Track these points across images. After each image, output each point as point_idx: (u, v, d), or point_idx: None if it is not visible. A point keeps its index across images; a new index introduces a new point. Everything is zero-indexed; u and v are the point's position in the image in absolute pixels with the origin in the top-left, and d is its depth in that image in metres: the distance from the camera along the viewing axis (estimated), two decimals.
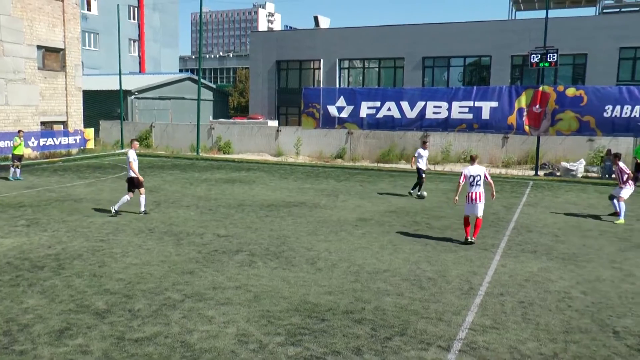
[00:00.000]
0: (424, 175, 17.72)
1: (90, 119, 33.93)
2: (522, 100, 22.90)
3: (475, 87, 24.45)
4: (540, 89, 22.94)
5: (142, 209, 14.46)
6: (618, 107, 21.66)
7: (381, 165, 26.68)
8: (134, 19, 54.46)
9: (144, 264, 9.88)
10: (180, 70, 63.55)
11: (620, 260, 10.73)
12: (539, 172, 23.52)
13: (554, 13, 38.58)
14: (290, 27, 50.45)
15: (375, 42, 39.28)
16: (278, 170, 24.52)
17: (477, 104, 23.27)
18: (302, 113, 27.33)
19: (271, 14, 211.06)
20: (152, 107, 40.92)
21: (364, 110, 25.22)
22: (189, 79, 45.33)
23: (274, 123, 36.27)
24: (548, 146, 25.18)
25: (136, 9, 54.53)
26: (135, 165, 14.41)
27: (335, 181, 21.15)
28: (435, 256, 10.76)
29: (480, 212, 11.77)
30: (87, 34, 48.00)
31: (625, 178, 14.43)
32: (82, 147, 30.50)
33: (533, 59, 23.96)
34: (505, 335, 7.10)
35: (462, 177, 11.86)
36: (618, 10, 42.06)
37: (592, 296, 8.63)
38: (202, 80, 39.07)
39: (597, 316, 7.82)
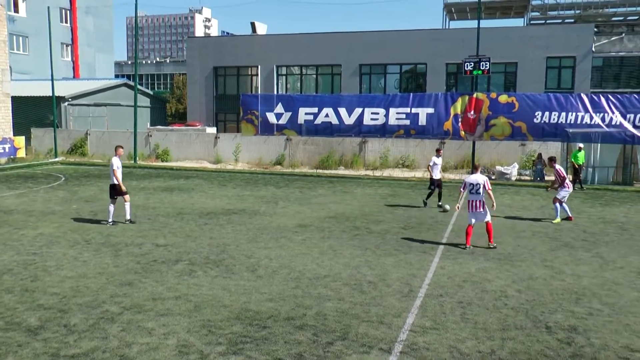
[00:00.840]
0: (439, 185, 17.35)
1: (21, 127, 32.44)
2: (458, 107, 23.60)
3: (411, 94, 25.03)
4: (475, 95, 23.73)
5: (128, 217, 14.17)
6: (547, 113, 22.69)
7: (320, 171, 26.82)
8: (66, 22, 52.58)
9: (80, 277, 9.52)
10: (116, 76, 61.77)
11: (551, 259, 11.20)
12: None
13: (485, 23, 39.99)
14: (228, 33, 50.06)
15: (313, 49, 39.54)
16: (217, 178, 24.23)
17: (414, 110, 23.82)
18: (240, 120, 27.17)
19: (208, 20, 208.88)
20: (87, 114, 39.61)
21: (302, 116, 25.34)
22: (125, 84, 44.17)
23: (212, 130, 35.84)
24: (483, 151, 26.03)
25: (68, 11, 52.69)
26: (119, 172, 14.14)
27: (274, 188, 21.10)
28: (375, 260, 10.89)
29: (486, 218, 12.04)
30: (14, 37, 45.97)
31: (561, 180, 15.12)
32: (11, 157, 29.14)
33: (467, 67, 24.76)
34: (444, 335, 7.26)
35: (463, 185, 12.22)
36: (544, 22, 44.07)
37: (526, 294, 8.96)
38: (139, 87, 38.15)
39: (531, 313, 8.12)
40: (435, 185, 17.22)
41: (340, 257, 11.06)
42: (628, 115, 22.13)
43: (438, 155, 17.91)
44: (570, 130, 22.50)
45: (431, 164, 17.55)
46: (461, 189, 12.33)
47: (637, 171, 23.05)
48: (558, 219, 14.97)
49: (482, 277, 9.82)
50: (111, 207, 14.11)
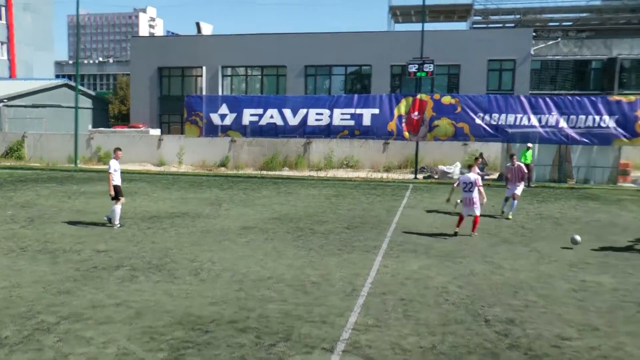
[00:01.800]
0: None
1: None
2: (402, 108, 24.00)
3: (356, 95, 25.31)
4: (418, 97, 24.20)
5: (106, 217, 14.26)
6: (488, 115, 23.38)
7: (265, 172, 26.75)
8: (1, 19, 50.52)
9: (13, 287, 9.14)
10: (57, 76, 59.74)
11: (491, 254, 11.54)
12: (418, 176, 24.74)
13: (429, 26, 40.81)
14: (172, 33, 49.20)
15: (258, 49, 39.38)
16: (160, 181, 23.80)
17: (359, 111, 24.09)
18: (185, 121, 26.79)
19: (152, 19, 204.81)
20: (24, 115, 38.15)
21: (247, 117, 25.24)
22: (66, 85, 42.82)
23: (156, 132, 35.18)
24: (426, 151, 26.56)
25: (4, 8, 50.62)
26: (116, 176, 14.16)
27: (218, 190, 20.90)
28: (318, 260, 10.94)
29: (477, 212, 13.26)
30: None
31: (521, 176, 15.89)
32: None
33: (411, 69, 25.23)
34: (387, 333, 7.36)
35: (457, 182, 13.63)
36: (486, 26, 45.34)
37: (466, 289, 9.20)
38: (80, 87, 37.07)
39: (471, 307, 8.34)
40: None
41: (284, 259, 11.06)
42: (564, 116, 23.06)
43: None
44: (510, 131, 23.26)
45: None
46: (454, 185, 13.79)
47: (571, 169, 24.03)
48: (511, 215, 15.71)
49: (424, 274, 10.02)
50: (117, 208, 13.97)
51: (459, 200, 14.23)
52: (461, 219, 13.42)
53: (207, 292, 8.94)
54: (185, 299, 8.60)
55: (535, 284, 9.54)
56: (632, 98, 23.36)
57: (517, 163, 16.26)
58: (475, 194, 13.01)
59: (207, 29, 47.44)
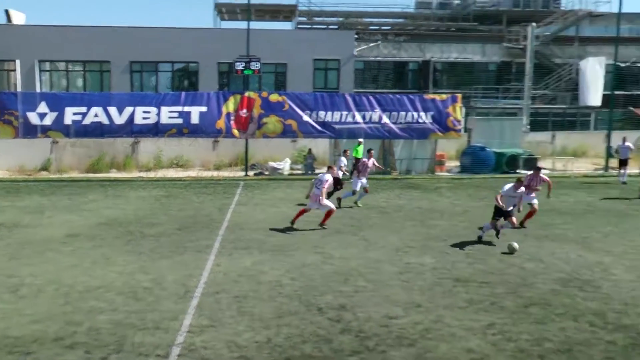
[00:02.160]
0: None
1: None
2: (230, 105, 23.80)
3: (183, 93, 24.58)
4: (246, 94, 24.17)
5: None
6: (315, 112, 24.14)
7: (91, 175, 24.90)
8: None
9: None
10: None
11: (322, 245, 11.86)
12: (249, 173, 24.74)
13: (256, 25, 41.10)
14: None
15: (80, 43, 36.46)
16: None
17: (187, 109, 23.41)
18: None
19: None
20: None
21: (70, 116, 23.21)
22: None
23: None
24: (256, 148, 26.64)
25: None
26: None
27: (39, 196, 18.96)
28: (150, 265, 10.39)
29: (326, 208, 13.54)
30: None
31: (368, 170, 17.09)
32: None
33: (238, 67, 25.12)
34: (222, 332, 7.19)
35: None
36: (310, 26, 46.84)
37: (299, 281, 9.33)
38: None
39: (304, 298, 8.47)
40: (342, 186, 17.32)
41: (114, 265, 10.32)
42: (386, 113, 24.62)
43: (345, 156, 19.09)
44: (337, 127, 24.26)
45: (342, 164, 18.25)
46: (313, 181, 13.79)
47: (394, 162, 25.76)
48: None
49: (258, 270, 9.98)
50: None
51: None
52: (301, 212, 13.63)
53: (28, 309, 8.01)
54: (1, 320, 7.61)
55: (364, 270, 10.00)
56: (444, 96, 25.72)
57: (372, 158, 17.61)
58: (319, 191, 13.27)
59: (19, 18, 42.72)
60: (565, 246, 12.01)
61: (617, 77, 29.79)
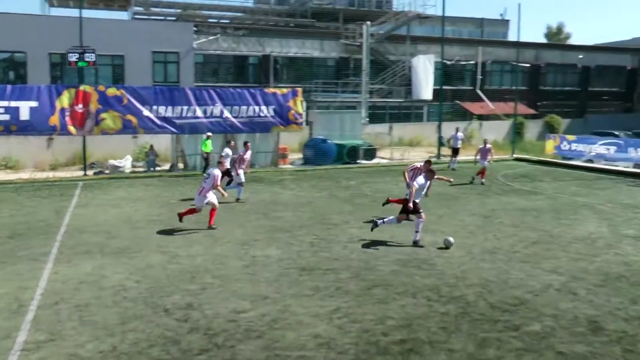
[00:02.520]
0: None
1: None
2: (64, 100, 22.20)
3: (9, 86, 22.41)
4: (82, 88, 22.71)
5: None
6: (155, 107, 23.35)
7: None
8: None
9: None
10: None
11: (166, 244, 11.63)
12: (88, 172, 23.32)
13: (89, 13, 38.59)
14: None
15: None
16: None
17: (14, 103, 21.39)
18: None
19: None
20: None
21: None
22: None
23: None
24: (95, 145, 25.20)
25: None
26: None
27: None
28: None
29: (205, 203, 13.24)
30: None
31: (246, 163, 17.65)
32: None
33: (71, 58, 23.52)
34: (62, 345, 6.83)
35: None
36: (148, 17, 45.02)
37: (144, 283, 9.10)
38: None
39: (150, 300, 8.30)
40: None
41: None
42: (227, 107, 24.55)
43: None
44: (178, 122, 23.71)
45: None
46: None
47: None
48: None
49: (100, 275, 9.55)
50: None
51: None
52: (191, 211, 13.30)
53: None
54: None
55: (210, 267, 10.02)
56: (285, 90, 26.25)
57: (249, 151, 17.90)
58: (208, 185, 13.04)
59: None
60: (405, 229, 13.00)
61: (444, 74, 32.59)
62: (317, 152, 26.34)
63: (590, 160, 26.82)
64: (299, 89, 26.54)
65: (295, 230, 13.04)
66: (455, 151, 25.07)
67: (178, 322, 7.50)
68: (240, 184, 17.12)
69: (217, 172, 13.32)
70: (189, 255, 10.77)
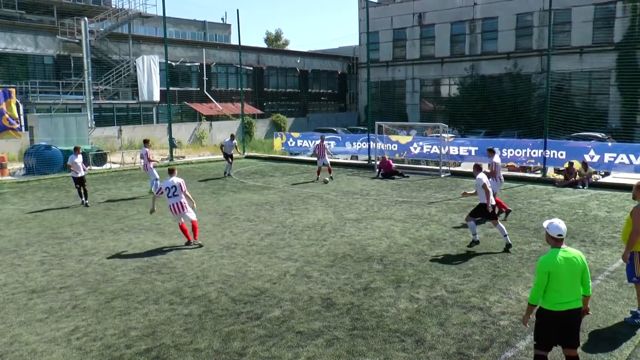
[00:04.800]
0: None
1: None
2: None
3: None
4: None
5: None
6: None
7: None
8: None
9: None
10: None
11: None
12: None
13: None
14: None
15: None
16: None
17: None
18: None
19: None
20: None
21: None
22: None
23: None
24: None
25: None
26: None
27: None
28: None
29: (192, 217, 11.91)
30: None
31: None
32: None
33: None
34: None
35: (158, 190, 11.98)
36: None
37: None
38: None
39: None
40: None
41: None
42: None
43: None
44: None
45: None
46: (156, 193, 12.16)
47: None
48: None
49: None
50: None
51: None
52: (183, 229, 11.86)
53: None
54: None
55: None
56: None
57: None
58: (184, 199, 11.68)
59: None
60: (141, 235, 12.70)
61: (170, 75, 32.38)
62: (41, 160, 23.87)
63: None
64: (12, 89, 23.72)
65: (22, 249, 11.77)
66: (229, 157, 24.11)
67: None
68: (156, 180, 17.56)
69: (180, 180, 11.84)
70: None
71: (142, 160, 18.47)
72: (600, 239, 11.96)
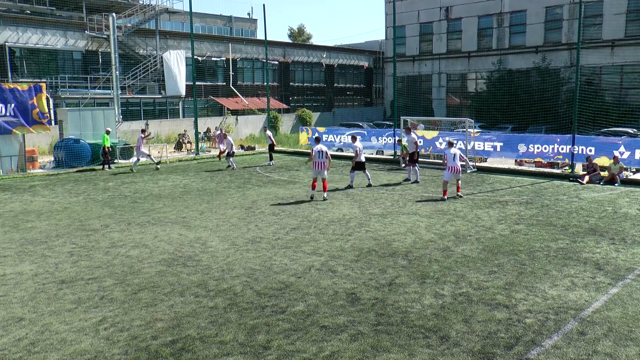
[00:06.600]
0: None
1: None
2: None
3: None
4: None
5: None
6: None
7: None
8: None
9: None
10: None
11: None
12: None
13: None
14: None
15: None
16: None
17: None
18: None
19: None
20: None
21: None
22: None
23: None
24: None
25: None
26: None
27: None
28: None
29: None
30: None
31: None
32: None
33: None
34: None
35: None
36: None
37: None
38: None
39: None
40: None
41: None
42: None
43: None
44: None
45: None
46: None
47: None
48: None
49: None
50: None
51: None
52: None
53: None
54: None
55: None
56: (26, 86, 23.46)
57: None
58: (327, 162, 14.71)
59: None
60: (167, 228, 12.86)
61: (196, 69, 32.66)
62: (70, 154, 24.33)
63: (340, 149, 29.56)
64: (43, 84, 24.09)
65: (52, 240, 12.01)
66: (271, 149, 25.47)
67: None
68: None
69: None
70: None
71: (137, 143, 22.77)
72: (631, 237, 11.72)
